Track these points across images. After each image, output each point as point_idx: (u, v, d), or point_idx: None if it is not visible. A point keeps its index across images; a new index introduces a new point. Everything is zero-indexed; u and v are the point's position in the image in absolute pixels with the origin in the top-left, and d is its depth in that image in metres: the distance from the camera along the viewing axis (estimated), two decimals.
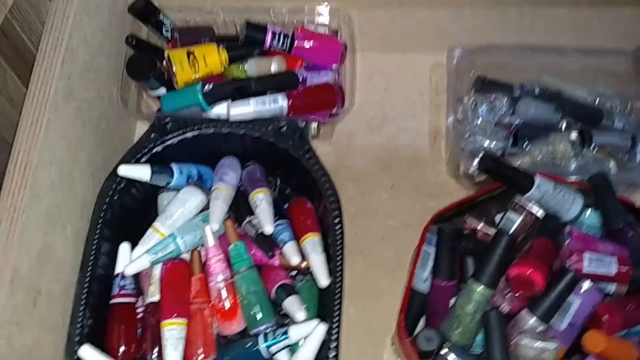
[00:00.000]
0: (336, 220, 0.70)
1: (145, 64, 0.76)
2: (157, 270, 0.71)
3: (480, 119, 0.79)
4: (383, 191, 0.83)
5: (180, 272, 0.70)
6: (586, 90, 0.83)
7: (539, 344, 0.58)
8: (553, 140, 0.77)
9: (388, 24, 0.87)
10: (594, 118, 0.80)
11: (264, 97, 0.74)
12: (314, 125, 0.82)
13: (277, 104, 0.74)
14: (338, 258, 0.68)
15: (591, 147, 0.77)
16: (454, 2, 0.83)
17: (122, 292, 0.68)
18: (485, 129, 0.77)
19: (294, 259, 0.70)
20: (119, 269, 0.69)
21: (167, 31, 0.81)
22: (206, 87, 0.77)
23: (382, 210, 0.82)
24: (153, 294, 0.70)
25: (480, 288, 0.63)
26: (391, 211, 0.82)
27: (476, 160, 0.73)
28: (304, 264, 0.71)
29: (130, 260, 0.70)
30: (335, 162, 0.84)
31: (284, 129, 0.74)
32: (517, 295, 0.61)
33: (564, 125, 0.81)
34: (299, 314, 0.65)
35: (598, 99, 0.83)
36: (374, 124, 0.88)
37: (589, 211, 0.70)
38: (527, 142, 0.78)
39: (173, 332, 0.65)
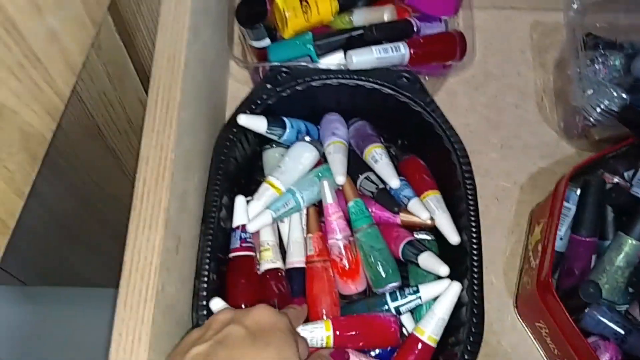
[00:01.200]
0: (467, 175, 0.66)
1: (255, 10, 0.72)
2: (266, 233, 0.67)
3: (598, 75, 0.76)
4: (492, 151, 0.80)
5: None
6: None
7: None
8: None
9: None
10: None
11: (386, 45, 0.70)
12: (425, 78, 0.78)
13: (399, 52, 0.70)
14: (472, 213, 0.64)
15: None
16: None
17: (244, 244, 0.64)
18: (606, 85, 0.74)
19: (424, 214, 0.66)
20: (237, 221, 0.65)
21: None
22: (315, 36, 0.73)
23: (494, 171, 0.79)
24: (267, 260, 0.66)
25: (632, 242, 0.60)
26: (503, 171, 0.79)
27: (598, 112, 0.70)
28: (430, 221, 0.67)
29: (248, 214, 0.66)
30: None
31: (404, 80, 0.70)
32: None
33: None
34: (442, 268, 0.61)
35: None
36: (476, 82, 0.85)
37: None
38: None
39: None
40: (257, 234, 0.67)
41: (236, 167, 0.69)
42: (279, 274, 0.65)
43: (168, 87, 0.53)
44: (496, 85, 0.84)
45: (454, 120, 0.81)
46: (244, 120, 0.66)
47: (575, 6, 0.78)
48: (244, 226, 0.65)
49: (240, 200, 0.66)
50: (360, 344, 0.62)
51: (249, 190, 0.69)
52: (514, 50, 0.86)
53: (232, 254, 0.64)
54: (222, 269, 0.63)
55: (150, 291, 0.46)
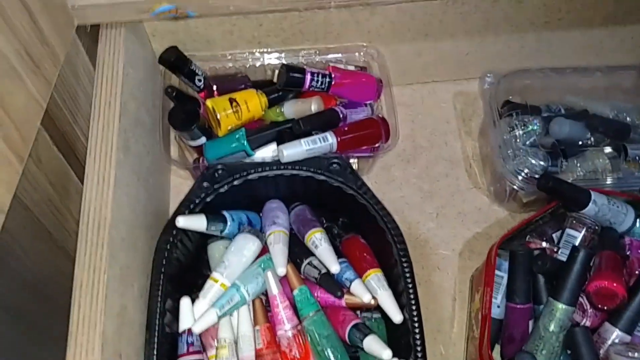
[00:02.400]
0: (402, 253, 0.69)
1: (187, 114, 0.75)
2: (224, 330, 0.68)
3: (518, 141, 0.81)
4: (429, 220, 0.84)
5: None
6: (608, 107, 0.87)
7: (634, 354, 0.58)
8: (590, 156, 0.80)
9: (410, 57, 0.89)
10: (623, 132, 0.83)
11: (314, 137, 0.73)
12: (354, 161, 0.82)
13: (327, 141, 0.74)
14: (411, 291, 0.67)
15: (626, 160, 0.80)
16: (475, 30, 0.85)
17: (192, 349, 0.65)
18: (527, 150, 0.79)
19: (366, 297, 0.68)
20: (183, 325, 0.66)
21: (199, 81, 0.80)
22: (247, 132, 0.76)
23: (432, 240, 0.82)
24: (223, 358, 0.66)
25: (561, 307, 0.63)
26: (441, 240, 0.82)
27: (518, 181, 0.75)
28: (373, 301, 0.69)
29: (194, 315, 0.67)
30: (377, 196, 0.84)
31: (335, 166, 0.74)
32: (603, 308, 0.62)
33: (592, 142, 0.84)
34: (385, 352, 0.63)
35: (619, 114, 0.86)
36: (407, 155, 0.89)
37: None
38: (564, 159, 0.80)
39: None
40: (212, 330, 0.68)
41: (179, 267, 0.70)
42: None
43: (99, 208, 0.55)
44: (426, 157, 0.88)
45: (390, 194, 0.86)
46: (183, 222, 0.67)
47: (489, 79, 0.83)
48: (190, 330, 0.65)
49: (185, 302, 0.67)
50: None
51: (197, 286, 0.70)
52: (440, 121, 0.91)
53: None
54: None
55: None
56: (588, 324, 0.64)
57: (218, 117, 0.74)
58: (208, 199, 0.72)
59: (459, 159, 0.89)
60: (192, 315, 0.67)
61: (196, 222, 0.69)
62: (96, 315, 0.51)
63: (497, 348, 0.71)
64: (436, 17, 0.82)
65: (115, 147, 0.59)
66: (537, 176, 0.74)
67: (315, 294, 0.71)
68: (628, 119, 0.86)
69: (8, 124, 0.50)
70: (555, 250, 0.70)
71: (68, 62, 0.71)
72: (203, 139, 0.77)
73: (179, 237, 0.69)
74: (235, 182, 0.73)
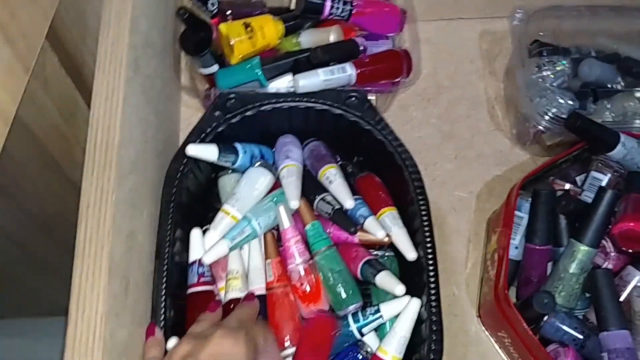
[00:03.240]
0: (419, 190, 0.66)
1: (199, 39, 0.71)
2: (234, 262, 0.66)
3: (545, 81, 0.78)
4: (447, 162, 0.81)
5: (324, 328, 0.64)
6: None
7: None
8: (620, 98, 0.76)
9: None
10: None
11: (332, 67, 0.70)
12: (372, 97, 0.78)
13: (345, 73, 0.70)
14: (426, 229, 0.64)
15: None
16: None
17: (202, 279, 0.64)
18: (554, 91, 0.75)
19: (380, 233, 0.66)
20: (193, 256, 0.65)
21: (213, 5, 0.76)
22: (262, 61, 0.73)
23: (450, 182, 0.79)
24: (234, 289, 0.65)
25: (584, 248, 0.61)
26: (459, 182, 0.79)
27: (546, 120, 0.71)
28: (386, 239, 0.67)
29: (204, 247, 0.65)
30: None
31: (353, 99, 0.70)
32: (627, 251, 0.59)
33: (623, 86, 0.80)
34: (398, 287, 0.61)
35: None
36: (428, 95, 0.85)
37: None
38: (594, 102, 0.76)
39: None
40: (222, 262, 0.67)
41: (189, 197, 0.68)
42: None
43: (106, 127, 0.53)
44: (447, 97, 0.85)
45: (407, 134, 0.83)
46: (193, 150, 0.65)
47: (519, 15, 0.79)
48: (200, 260, 0.64)
49: (195, 233, 0.65)
50: None
51: (207, 219, 0.69)
52: (464, 60, 0.87)
53: (190, 290, 0.64)
54: (180, 303, 0.62)
55: (97, 341, 0.45)
56: (610, 267, 0.62)
57: (231, 43, 0.71)
58: (220, 129, 0.69)
59: (482, 100, 0.85)
60: (203, 246, 0.65)
61: (207, 152, 0.66)
62: (104, 237, 0.49)
63: (513, 291, 0.69)
64: None
65: (125, 64, 0.56)
66: (564, 116, 0.71)
67: (328, 230, 0.69)
68: None
69: (14, 30, 0.48)
70: (579, 192, 0.67)
71: None
72: (215, 67, 0.74)
73: (190, 167, 0.67)
74: (248, 113, 0.70)
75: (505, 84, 0.85)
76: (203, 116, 0.69)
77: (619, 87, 0.79)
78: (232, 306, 0.64)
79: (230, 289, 0.65)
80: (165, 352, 0.54)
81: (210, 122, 0.69)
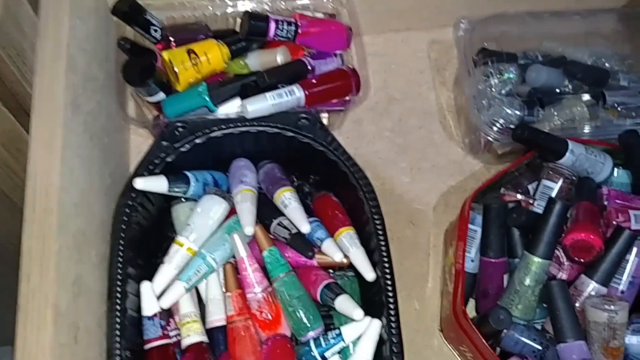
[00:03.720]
0: (374, 210, 0.66)
1: (142, 68, 0.69)
2: (186, 306, 0.65)
3: (493, 90, 0.78)
4: (403, 175, 0.81)
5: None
6: (586, 53, 0.83)
7: (610, 306, 0.57)
8: (567, 104, 0.77)
9: (382, 3, 0.84)
10: (601, 79, 0.80)
11: (280, 90, 0.69)
12: (325, 115, 0.78)
13: (294, 95, 0.70)
14: (383, 248, 0.64)
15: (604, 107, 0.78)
16: None
17: (165, 331, 0.62)
18: (502, 100, 0.76)
19: (337, 256, 0.66)
20: (148, 310, 0.62)
21: (155, 31, 0.75)
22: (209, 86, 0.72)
23: (406, 195, 0.80)
24: (195, 332, 0.63)
25: (537, 260, 0.61)
26: (415, 195, 0.80)
27: (493, 132, 0.72)
28: (345, 260, 0.67)
29: (154, 297, 0.63)
30: (350, 151, 0.80)
31: (304, 121, 0.70)
32: (579, 261, 0.60)
33: (570, 89, 0.81)
34: (356, 312, 0.61)
35: (597, 60, 0.83)
36: (380, 108, 0.85)
37: (617, 170, 0.71)
38: (541, 108, 0.77)
39: None
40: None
41: (141, 231, 0.66)
42: (203, 345, 0.63)
43: (45, 173, 0.51)
44: (400, 109, 0.85)
45: (363, 149, 0.83)
46: (141, 184, 0.64)
47: (463, 25, 0.79)
48: (156, 314, 0.62)
49: (145, 287, 0.63)
50: None
51: (162, 249, 0.67)
52: (414, 71, 0.88)
53: (148, 345, 0.61)
54: (135, 348, 0.60)
55: None
56: (564, 277, 0.63)
57: (176, 70, 0.70)
58: (169, 159, 0.68)
59: (434, 111, 0.85)
60: (156, 299, 0.63)
61: (157, 184, 0.65)
62: (47, 287, 0.47)
63: (472, 303, 0.70)
64: None
65: (62, 105, 0.54)
66: (512, 126, 0.72)
67: (286, 255, 0.69)
68: (607, 65, 0.83)
69: None
70: (531, 202, 0.68)
71: (9, 14, 0.65)
72: (161, 95, 0.72)
73: (139, 200, 0.65)
74: (198, 140, 0.69)
75: (455, 94, 0.86)
76: (151, 147, 0.68)
77: (567, 91, 0.80)
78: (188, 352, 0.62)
79: (191, 333, 0.63)
80: None
81: (159, 152, 0.67)
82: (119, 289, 0.59)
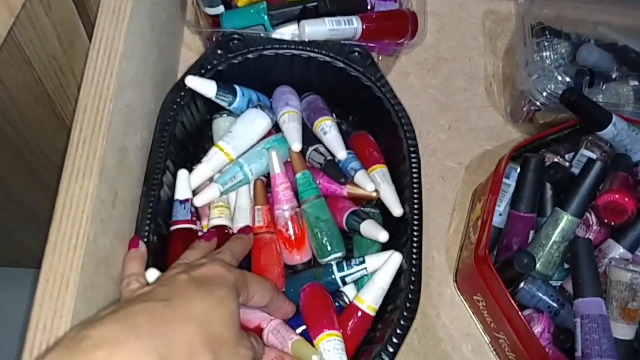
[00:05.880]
0: (412, 149, 0.67)
1: None
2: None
3: (545, 61, 0.79)
4: (440, 132, 0.82)
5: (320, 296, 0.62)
6: (638, 44, 0.83)
7: (634, 267, 0.57)
8: (615, 85, 0.77)
9: None
10: None
11: (339, 18, 0.70)
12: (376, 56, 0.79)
13: (351, 25, 0.71)
14: (415, 186, 0.65)
15: None
16: None
17: (193, 217, 0.63)
18: (552, 70, 0.76)
19: (369, 186, 0.66)
20: (180, 194, 0.64)
21: None
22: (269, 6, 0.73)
23: (441, 151, 0.80)
24: (223, 216, 0.65)
25: (568, 217, 0.62)
26: (449, 152, 0.80)
27: (543, 96, 0.73)
28: (374, 193, 0.68)
29: (191, 184, 0.65)
30: None
31: (356, 54, 0.71)
32: (609, 224, 0.60)
33: (619, 75, 0.81)
34: (382, 234, 0.62)
35: None
36: (428, 65, 0.86)
37: None
38: (590, 84, 0.78)
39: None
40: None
41: (183, 132, 0.68)
42: (227, 231, 0.64)
43: (111, 37, 0.52)
44: (447, 69, 0.86)
45: (404, 101, 0.82)
46: (193, 82, 0.65)
47: None
48: (188, 200, 0.63)
49: (182, 173, 0.65)
50: None
51: (197, 160, 0.68)
52: (467, 36, 0.88)
53: (174, 226, 0.63)
54: (163, 233, 0.62)
55: (80, 239, 0.45)
56: (592, 238, 0.63)
57: None
58: (220, 67, 0.69)
59: (480, 76, 0.86)
60: (189, 187, 0.64)
61: (206, 86, 0.66)
62: (97, 141, 0.48)
63: (492, 258, 0.70)
64: None
65: None
66: (559, 94, 0.72)
67: (318, 181, 0.70)
68: None
69: None
70: (568, 167, 0.68)
71: None
72: (221, 8, 0.74)
73: (186, 101, 0.66)
74: (250, 55, 0.70)
75: (504, 63, 0.86)
76: (204, 53, 0.69)
77: (615, 76, 0.80)
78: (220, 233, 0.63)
79: (217, 216, 0.64)
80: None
81: (212, 59, 0.68)
82: (156, 176, 0.60)
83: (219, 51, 0.69)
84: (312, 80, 0.75)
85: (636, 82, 0.78)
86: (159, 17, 0.67)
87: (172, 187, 0.64)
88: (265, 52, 0.70)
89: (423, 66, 0.86)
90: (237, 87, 0.70)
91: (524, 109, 0.78)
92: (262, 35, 0.71)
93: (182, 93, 0.66)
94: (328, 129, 0.69)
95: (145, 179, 0.60)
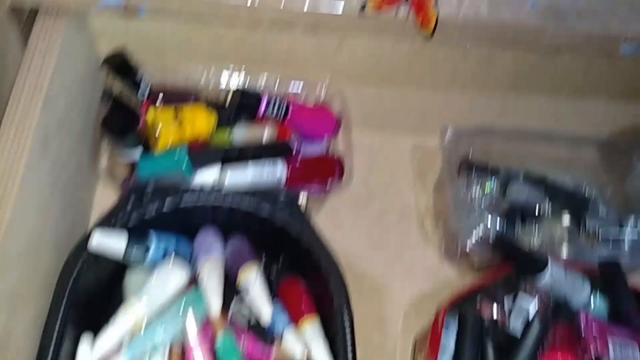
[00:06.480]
0: (345, 304, 0.62)
1: (124, 120, 0.67)
2: None
3: (474, 200, 0.78)
4: (376, 274, 0.77)
5: None
6: (568, 176, 0.84)
7: None
8: (547, 224, 0.77)
9: (373, 101, 0.85)
10: (581, 205, 0.81)
11: (262, 165, 0.67)
12: (304, 196, 0.75)
13: (275, 172, 0.67)
14: (349, 348, 0.60)
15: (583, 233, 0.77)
16: (442, 83, 0.83)
17: None
18: (482, 212, 0.75)
19: (298, 351, 0.60)
20: None
21: (144, 90, 0.73)
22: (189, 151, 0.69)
23: (377, 295, 0.76)
24: None
25: None
26: (386, 295, 0.76)
27: (474, 239, 0.71)
28: (305, 358, 0.61)
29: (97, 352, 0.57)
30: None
31: (281, 202, 0.67)
32: None
33: (549, 210, 0.81)
34: None
35: (577, 186, 0.84)
36: (359, 201, 0.83)
37: (595, 297, 0.69)
38: (521, 225, 0.77)
39: None
40: None
41: (87, 294, 0.60)
42: None
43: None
44: (379, 205, 0.83)
45: (335, 241, 0.78)
46: (97, 239, 0.59)
47: (450, 134, 0.80)
48: None
49: (85, 342, 0.57)
50: None
51: (106, 321, 0.61)
52: (396, 171, 0.87)
53: None
54: None
55: None
56: None
57: (158, 130, 0.67)
58: (130, 224, 0.63)
59: (412, 212, 0.84)
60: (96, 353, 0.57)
61: (114, 242, 0.60)
62: None
63: None
64: (404, 63, 0.79)
65: (30, 141, 0.50)
66: (490, 238, 0.70)
67: (242, 342, 0.63)
68: (587, 191, 0.84)
69: None
70: (507, 317, 0.65)
71: None
72: (138, 153, 0.69)
73: (91, 259, 0.60)
74: (165, 209, 0.65)
75: (435, 198, 0.85)
76: (112, 208, 0.63)
77: (546, 211, 0.80)
78: None
79: None
80: None
81: (121, 215, 0.63)
82: (52, 350, 0.52)
83: (131, 203, 0.64)
84: (238, 226, 0.70)
85: (567, 221, 0.77)
86: (66, 169, 0.62)
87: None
88: (183, 205, 0.66)
89: (354, 202, 0.83)
90: (153, 234, 0.64)
91: (458, 248, 0.76)
92: (180, 185, 0.67)
93: (86, 253, 0.59)
94: (252, 284, 0.64)
95: (38, 356, 0.52)
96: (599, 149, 0.86)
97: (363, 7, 0.61)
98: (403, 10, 0.61)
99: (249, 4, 0.61)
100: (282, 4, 0.62)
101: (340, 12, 0.62)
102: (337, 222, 0.81)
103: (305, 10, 0.62)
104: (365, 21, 0.63)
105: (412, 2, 0.61)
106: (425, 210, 0.84)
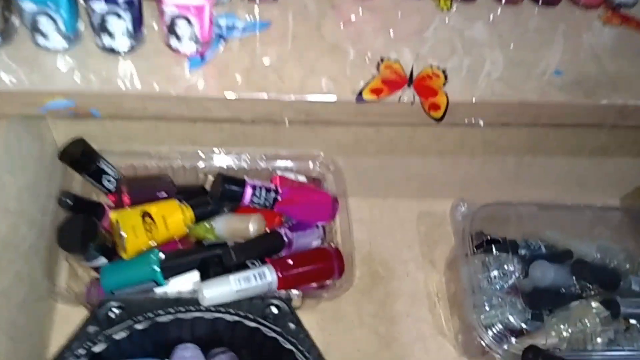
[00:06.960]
0: None
1: (82, 231, 0.57)
2: None
3: (493, 282, 0.68)
4: None
5: None
6: (593, 247, 0.75)
7: None
8: (577, 312, 0.67)
9: (372, 171, 0.76)
10: (612, 282, 0.71)
11: (248, 273, 0.57)
12: (298, 295, 0.66)
13: (264, 279, 0.58)
14: None
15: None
16: (449, 151, 0.73)
17: None
18: (503, 300, 0.66)
19: None
20: None
21: (109, 181, 0.64)
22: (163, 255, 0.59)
23: None
24: None
25: None
26: None
27: (489, 336, 0.62)
28: None
29: None
30: (322, 338, 0.67)
31: (272, 309, 0.58)
32: None
33: (577, 289, 0.71)
34: None
35: (604, 256, 0.75)
36: (362, 286, 0.73)
37: None
38: (548, 313, 0.67)
39: None
40: None
41: None
42: None
43: None
44: (384, 289, 0.73)
45: (338, 339, 0.69)
46: None
47: (462, 208, 0.71)
48: None
49: None
50: None
51: None
52: (401, 245, 0.77)
53: None
54: None
55: None
56: None
57: (123, 235, 0.57)
58: (96, 349, 0.53)
59: (422, 296, 0.74)
60: None
61: None
62: None
63: None
64: (406, 134, 0.70)
65: None
66: (513, 332, 0.61)
67: None
68: (615, 262, 0.74)
69: None
70: None
71: None
72: (102, 260, 0.60)
73: None
74: (138, 326, 0.55)
75: (447, 279, 0.75)
76: (75, 334, 0.54)
77: (574, 291, 0.70)
78: None
79: None
80: None
81: (84, 341, 0.53)
82: None
83: (93, 328, 0.54)
84: (222, 338, 0.61)
85: (598, 304, 0.67)
86: (14, 297, 0.52)
87: None
88: (158, 319, 0.56)
89: (356, 288, 0.73)
90: None
91: (476, 342, 0.66)
92: (152, 296, 0.57)
93: None
94: None
95: None
96: (623, 214, 0.78)
97: (360, 94, 0.52)
98: (407, 94, 0.52)
99: (228, 97, 0.52)
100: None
101: (334, 99, 0.53)
102: (339, 314, 0.71)
103: (292, 99, 0.52)
104: (364, 108, 0.53)
105: (416, 86, 0.52)
106: (437, 292, 0.74)
